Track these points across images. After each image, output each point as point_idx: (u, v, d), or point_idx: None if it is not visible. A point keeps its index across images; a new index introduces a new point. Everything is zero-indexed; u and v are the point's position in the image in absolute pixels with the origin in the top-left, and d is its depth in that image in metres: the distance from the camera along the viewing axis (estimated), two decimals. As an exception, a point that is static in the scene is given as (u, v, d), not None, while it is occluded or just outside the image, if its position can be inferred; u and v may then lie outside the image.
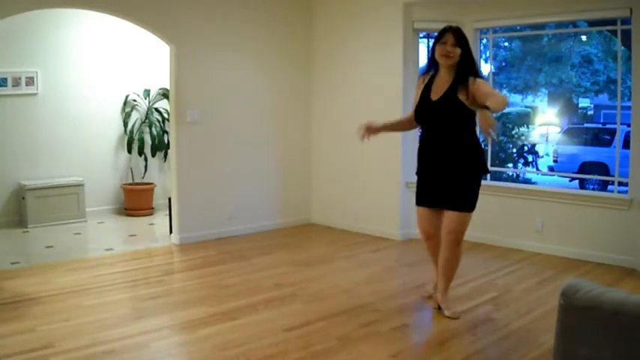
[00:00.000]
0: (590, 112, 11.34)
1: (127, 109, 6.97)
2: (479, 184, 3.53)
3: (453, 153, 3.45)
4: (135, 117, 7.02)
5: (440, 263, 3.61)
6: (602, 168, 8.62)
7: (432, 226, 3.63)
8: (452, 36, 3.36)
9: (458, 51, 3.35)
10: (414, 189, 5.56)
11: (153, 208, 7.00)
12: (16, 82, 6.15)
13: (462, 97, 3.35)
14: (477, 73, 3.41)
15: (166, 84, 5.99)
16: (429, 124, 3.54)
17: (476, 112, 3.36)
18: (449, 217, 3.50)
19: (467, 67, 3.38)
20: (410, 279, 4.39)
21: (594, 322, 1.85)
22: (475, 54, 5.44)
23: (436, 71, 3.49)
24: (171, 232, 5.61)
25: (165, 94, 6.88)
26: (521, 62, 9.59)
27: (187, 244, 5.41)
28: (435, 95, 3.44)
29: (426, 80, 3.53)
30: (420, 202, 3.64)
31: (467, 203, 3.47)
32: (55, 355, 2.94)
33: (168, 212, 5.76)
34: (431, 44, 5.99)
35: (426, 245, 3.75)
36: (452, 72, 3.41)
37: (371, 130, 3.65)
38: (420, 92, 3.55)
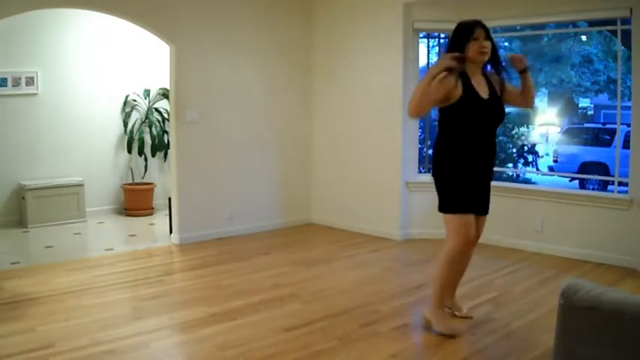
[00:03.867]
0: (590, 112, 11.34)
1: (127, 109, 6.97)
2: None
3: (494, 153, 3.36)
4: (135, 117, 7.02)
5: (463, 267, 3.49)
6: (602, 168, 8.62)
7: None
8: (482, 30, 3.14)
9: (490, 44, 3.16)
10: (414, 189, 5.62)
11: (153, 208, 7.00)
12: (16, 82, 6.15)
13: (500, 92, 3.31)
14: (502, 65, 3.32)
15: (166, 84, 5.99)
16: (478, 124, 3.23)
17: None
18: (484, 220, 3.40)
19: (498, 61, 3.27)
20: (410, 279, 4.39)
21: (594, 322, 1.85)
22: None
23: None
24: (171, 232, 5.61)
25: (165, 94, 6.88)
26: (521, 62, 9.57)
27: (187, 244, 5.41)
28: (483, 94, 3.20)
29: (458, 78, 3.15)
30: (469, 209, 3.25)
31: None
32: (55, 355, 2.94)
33: (168, 212, 5.76)
34: (431, 44, 6.03)
35: (465, 255, 3.38)
36: (480, 67, 3.25)
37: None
38: (451, 88, 3.13)
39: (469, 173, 3.25)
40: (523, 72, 3.30)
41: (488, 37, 3.18)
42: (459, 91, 3.17)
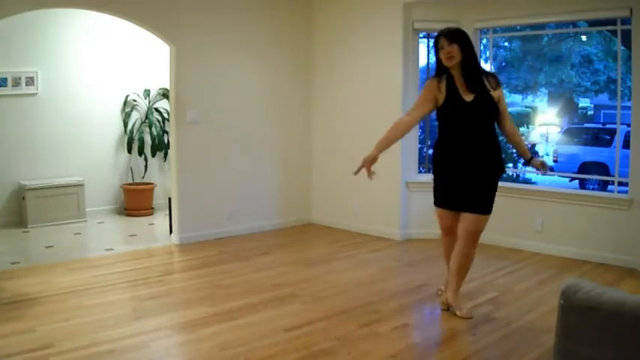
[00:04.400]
0: (590, 112, 11.33)
1: (127, 109, 6.97)
2: (497, 185, 3.54)
3: (483, 154, 3.44)
4: (135, 117, 7.02)
5: (453, 261, 3.57)
6: (602, 168, 8.61)
7: (453, 223, 3.58)
8: (444, 38, 3.37)
9: (455, 47, 3.33)
10: (414, 189, 5.63)
11: (153, 208, 7.00)
12: (16, 82, 6.15)
13: (495, 96, 3.41)
14: (479, 67, 3.49)
15: (166, 84, 5.99)
16: (461, 125, 3.42)
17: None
18: (469, 218, 3.46)
19: (470, 62, 3.38)
20: (410, 279, 4.39)
21: (594, 322, 1.85)
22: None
23: (449, 75, 3.44)
24: (171, 232, 5.61)
25: (165, 94, 6.88)
26: (521, 62, 9.59)
27: (187, 244, 5.41)
28: (466, 97, 3.37)
29: (442, 82, 3.44)
30: (439, 203, 3.61)
31: (489, 205, 3.48)
32: (55, 355, 2.94)
33: (168, 212, 5.76)
34: (432, 44, 6.02)
35: (443, 242, 3.74)
36: (459, 70, 3.40)
37: (371, 164, 3.57)
38: (436, 94, 3.45)
39: (448, 171, 3.52)
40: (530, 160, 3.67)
41: (454, 41, 3.34)
42: (443, 96, 3.44)
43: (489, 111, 3.41)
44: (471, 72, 3.39)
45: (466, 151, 3.42)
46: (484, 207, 3.47)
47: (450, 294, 3.60)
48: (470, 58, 3.38)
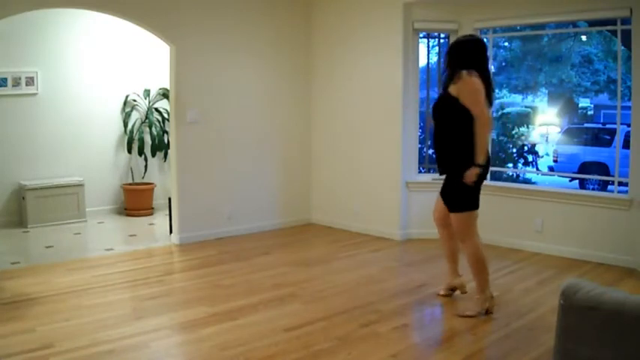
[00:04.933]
0: (590, 112, 11.33)
1: (127, 109, 6.97)
2: (462, 187, 3.44)
3: (447, 150, 3.51)
4: (135, 117, 7.02)
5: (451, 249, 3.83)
6: (602, 168, 8.61)
7: (439, 212, 3.73)
8: None
9: (446, 55, 3.58)
10: (414, 189, 5.64)
11: (153, 208, 7.00)
12: (16, 82, 6.15)
13: (453, 91, 3.39)
14: (458, 66, 3.41)
15: (166, 84, 6.00)
16: (434, 122, 3.64)
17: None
18: (452, 216, 3.61)
19: (450, 61, 3.49)
20: (410, 279, 4.39)
21: (594, 322, 1.85)
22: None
23: None
24: (171, 232, 5.61)
25: (165, 94, 6.88)
26: (521, 62, 9.58)
27: (187, 244, 5.41)
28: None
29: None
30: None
31: (458, 205, 3.51)
32: (55, 355, 2.94)
33: (168, 212, 5.76)
34: (431, 44, 6.04)
35: (439, 236, 3.87)
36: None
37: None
38: None
39: None
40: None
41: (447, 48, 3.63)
42: None
43: (442, 107, 3.48)
44: (450, 72, 3.50)
45: (435, 147, 3.64)
46: (451, 204, 3.56)
47: (477, 293, 3.64)
48: (450, 61, 3.48)
